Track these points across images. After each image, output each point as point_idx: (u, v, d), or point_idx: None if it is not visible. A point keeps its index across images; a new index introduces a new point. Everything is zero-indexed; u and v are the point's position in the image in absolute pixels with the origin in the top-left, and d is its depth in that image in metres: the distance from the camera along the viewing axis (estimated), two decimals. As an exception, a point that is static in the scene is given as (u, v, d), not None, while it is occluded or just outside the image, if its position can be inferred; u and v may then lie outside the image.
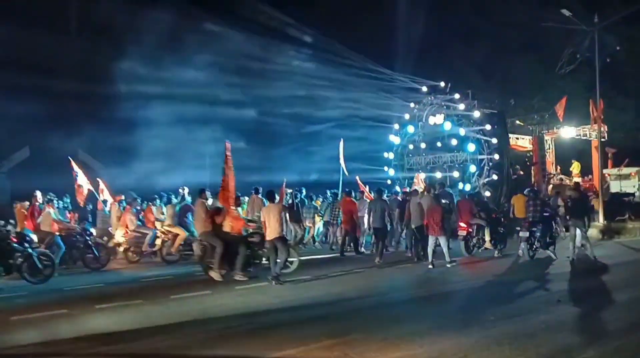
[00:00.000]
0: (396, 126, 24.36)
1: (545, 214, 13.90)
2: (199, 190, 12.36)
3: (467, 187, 20.95)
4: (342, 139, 19.70)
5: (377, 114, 24.60)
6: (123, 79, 22.60)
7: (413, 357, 6.13)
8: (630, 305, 8.84)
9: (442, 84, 23.10)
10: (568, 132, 26.22)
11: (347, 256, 14.97)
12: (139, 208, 15.13)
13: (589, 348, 6.35)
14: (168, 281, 11.59)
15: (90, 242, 13.39)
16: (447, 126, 22.09)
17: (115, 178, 18.44)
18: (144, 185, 18.00)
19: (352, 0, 33.47)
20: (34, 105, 20.20)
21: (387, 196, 17.11)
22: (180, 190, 16.32)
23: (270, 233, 10.81)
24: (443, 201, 13.82)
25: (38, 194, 13.73)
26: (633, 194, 23.64)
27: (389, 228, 15.11)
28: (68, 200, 15.47)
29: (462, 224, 14.37)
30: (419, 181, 19.39)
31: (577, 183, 17.21)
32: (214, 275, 11.20)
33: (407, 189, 17.94)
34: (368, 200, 16.11)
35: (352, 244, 15.52)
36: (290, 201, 16.39)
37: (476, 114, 21.46)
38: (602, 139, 22.77)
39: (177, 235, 14.06)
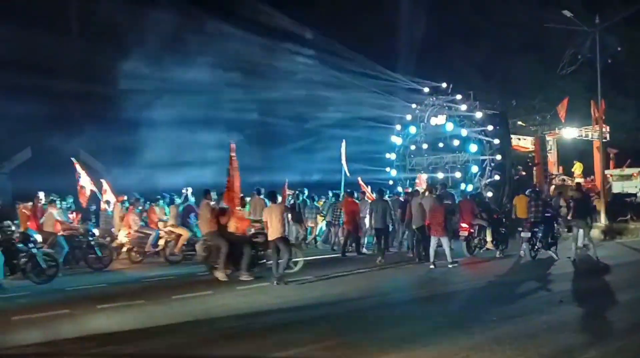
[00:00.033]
0: (398, 127, 24.33)
1: (546, 214, 13.92)
2: (204, 191, 12.36)
3: (469, 188, 20.93)
4: (344, 140, 19.72)
5: (378, 115, 24.58)
6: (124, 79, 22.59)
7: None
8: (632, 305, 8.85)
9: (444, 85, 23.06)
10: (570, 132, 26.19)
11: (349, 256, 14.98)
12: (141, 208, 15.15)
13: (591, 349, 6.36)
14: (170, 282, 11.61)
15: (92, 242, 13.40)
16: (449, 126, 22.07)
17: (117, 179, 18.46)
18: (146, 186, 18.03)
19: (354, 1, 33.50)
20: (35, 106, 20.18)
21: (388, 197, 17.13)
22: (184, 190, 16.34)
23: (272, 234, 10.83)
24: (445, 201, 13.83)
25: (41, 194, 13.75)
26: (635, 195, 23.63)
27: (390, 229, 15.13)
28: (71, 200, 15.50)
29: (463, 224, 14.37)
30: (422, 181, 19.35)
31: (578, 184, 17.20)
32: (219, 275, 11.22)
33: (410, 190, 17.94)
34: (369, 201, 16.12)
35: (354, 244, 15.53)
36: (292, 202, 16.42)
37: (478, 114, 21.45)
38: (604, 140, 22.75)
39: (180, 235, 14.07)
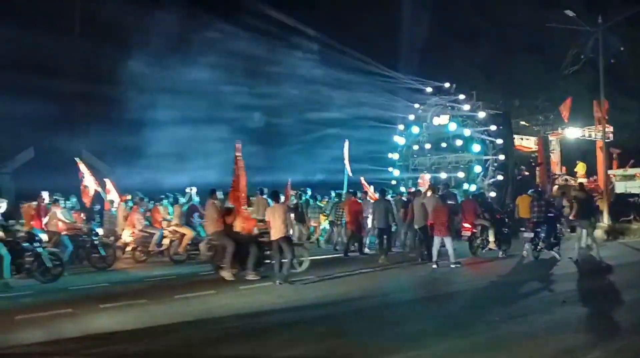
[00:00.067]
0: (401, 127, 24.34)
1: (549, 214, 13.91)
2: (210, 191, 12.35)
3: (472, 188, 20.92)
4: (346, 140, 19.72)
5: (381, 115, 24.58)
6: (128, 79, 22.65)
7: None
8: (634, 305, 8.84)
9: (447, 84, 23.05)
10: (573, 132, 26.15)
11: (351, 256, 14.98)
12: (145, 208, 15.18)
13: (594, 349, 6.36)
14: (173, 281, 11.63)
15: (96, 242, 13.44)
16: (452, 126, 22.07)
17: (120, 178, 18.51)
18: (150, 185, 18.05)
19: (356, 1, 33.51)
20: (38, 106, 20.22)
21: (391, 197, 17.13)
22: (188, 190, 16.35)
23: (275, 233, 10.84)
24: (448, 201, 13.83)
25: (44, 194, 13.79)
26: (638, 195, 23.54)
27: (393, 229, 15.13)
28: (75, 200, 15.54)
29: (466, 225, 14.38)
30: (425, 181, 19.32)
31: (581, 184, 17.17)
32: (225, 274, 11.24)
33: (412, 190, 17.95)
34: (372, 201, 16.12)
35: (356, 244, 15.54)
36: (295, 202, 16.42)
37: (481, 114, 21.45)
38: (607, 140, 22.71)
39: (184, 234, 14.10)
